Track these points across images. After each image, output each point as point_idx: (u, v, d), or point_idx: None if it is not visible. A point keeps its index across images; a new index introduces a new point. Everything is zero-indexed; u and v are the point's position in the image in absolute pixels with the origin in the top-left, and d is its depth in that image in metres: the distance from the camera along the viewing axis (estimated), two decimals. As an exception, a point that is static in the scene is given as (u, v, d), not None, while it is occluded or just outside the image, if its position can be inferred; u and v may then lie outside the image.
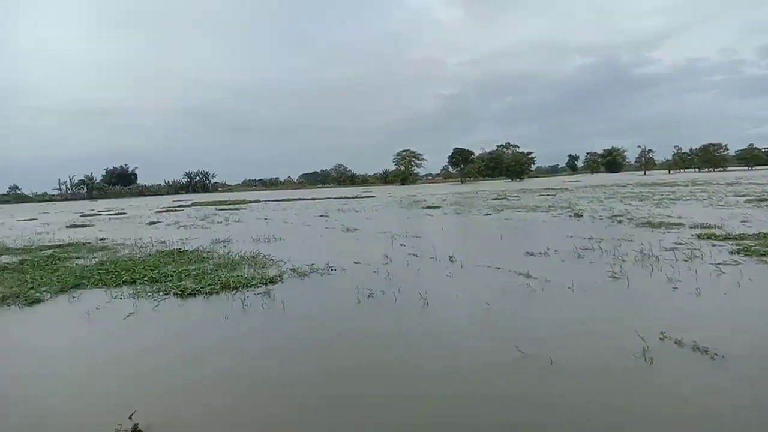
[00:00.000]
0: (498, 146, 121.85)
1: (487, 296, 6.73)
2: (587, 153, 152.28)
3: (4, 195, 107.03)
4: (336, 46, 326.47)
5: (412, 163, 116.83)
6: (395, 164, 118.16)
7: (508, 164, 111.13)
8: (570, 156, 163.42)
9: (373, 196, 47.06)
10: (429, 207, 27.06)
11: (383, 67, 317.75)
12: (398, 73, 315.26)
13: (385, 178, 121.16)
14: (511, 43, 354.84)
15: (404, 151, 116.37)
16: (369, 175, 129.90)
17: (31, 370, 4.88)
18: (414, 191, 59.23)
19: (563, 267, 8.63)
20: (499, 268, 8.56)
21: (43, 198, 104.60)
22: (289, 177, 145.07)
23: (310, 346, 5.22)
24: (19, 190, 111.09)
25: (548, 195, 34.24)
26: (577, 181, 70.13)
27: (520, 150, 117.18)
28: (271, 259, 10.32)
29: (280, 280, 8.27)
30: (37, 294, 7.91)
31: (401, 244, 12.10)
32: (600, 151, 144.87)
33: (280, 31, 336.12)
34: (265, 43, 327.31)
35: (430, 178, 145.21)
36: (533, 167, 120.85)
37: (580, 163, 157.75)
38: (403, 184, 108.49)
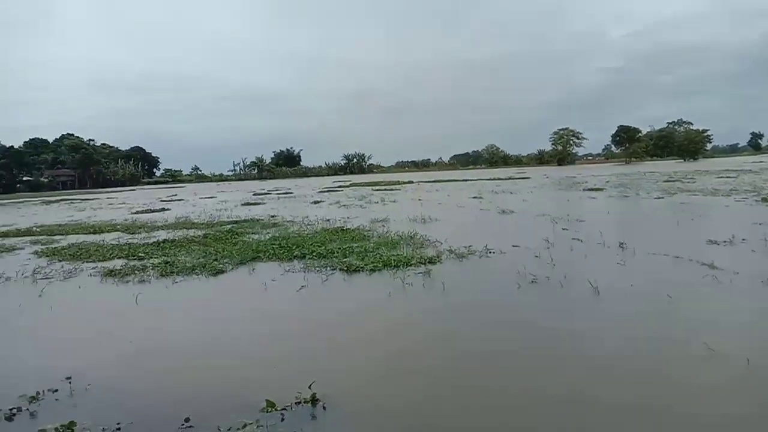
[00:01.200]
0: (668, 123, 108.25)
1: (667, 287, 6.00)
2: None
3: (188, 175, 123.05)
4: (491, 22, 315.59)
5: (571, 142, 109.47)
6: (552, 144, 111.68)
7: (679, 143, 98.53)
8: (753, 134, 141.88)
9: (528, 178, 45.20)
10: (591, 189, 25.19)
11: (541, 43, 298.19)
12: (557, 47, 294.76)
13: (540, 159, 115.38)
14: (685, 10, 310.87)
15: (562, 129, 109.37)
16: (522, 156, 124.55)
17: (217, 336, 5.41)
18: (573, 172, 55.70)
19: (754, 258, 7.53)
20: (677, 257, 7.67)
21: (220, 178, 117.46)
22: (440, 158, 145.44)
23: (471, 331, 5.12)
24: (200, 170, 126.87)
25: (728, 177, 29.78)
26: (762, 161, 60.13)
27: (693, 127, 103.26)
28: (428, 240, 10.38)
29: (438, 261, 8.25)
30: (220, 265, 8.77)
31: (563, 228, 11.40)
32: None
33: (433, 11, 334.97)
34: (421, 24, 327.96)
35: (590, 158, 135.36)
36: (709, 146, 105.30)
37: (764, 142, 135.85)
38: (560, 164, 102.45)
